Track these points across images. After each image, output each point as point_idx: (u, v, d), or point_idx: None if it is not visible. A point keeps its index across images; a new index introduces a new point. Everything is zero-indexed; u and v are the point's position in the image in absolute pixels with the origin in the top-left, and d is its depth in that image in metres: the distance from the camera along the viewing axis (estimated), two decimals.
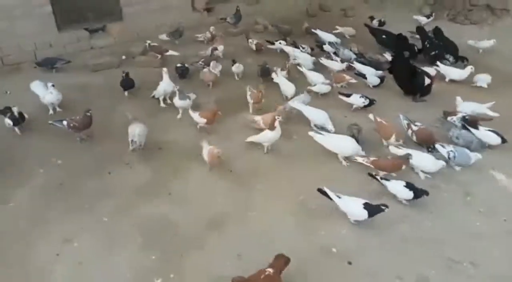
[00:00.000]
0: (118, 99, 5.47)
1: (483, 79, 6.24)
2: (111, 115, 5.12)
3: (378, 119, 4.68)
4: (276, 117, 4.40)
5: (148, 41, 6.52)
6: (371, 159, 4.18)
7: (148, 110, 5.26)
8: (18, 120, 4.63)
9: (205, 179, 4.13)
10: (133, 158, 4.36)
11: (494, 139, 4.61)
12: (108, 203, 3.76)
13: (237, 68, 6.16)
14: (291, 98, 5.37)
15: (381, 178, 3.90)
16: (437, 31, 7.27)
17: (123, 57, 6.66)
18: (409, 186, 3.77)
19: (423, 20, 8.82)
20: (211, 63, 6.11)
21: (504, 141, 4.58)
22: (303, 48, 6.98)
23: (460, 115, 4.94)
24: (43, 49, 6.35)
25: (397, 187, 3.80)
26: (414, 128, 4.67)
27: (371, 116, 4.74)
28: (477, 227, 3.61)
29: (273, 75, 5.72)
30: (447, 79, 6.40)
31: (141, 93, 5.65)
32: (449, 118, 5.03)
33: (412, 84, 5.74)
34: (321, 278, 3.14)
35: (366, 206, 3.47)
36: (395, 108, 5.44)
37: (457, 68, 6.51)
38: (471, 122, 4.77)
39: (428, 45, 6.96)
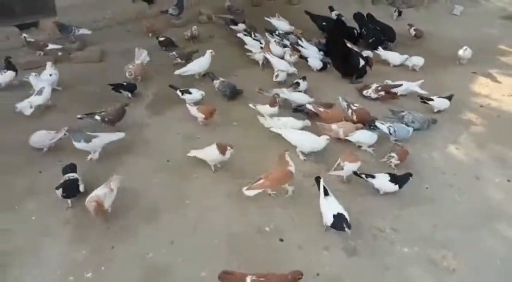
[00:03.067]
0: (53, 96, 5.25)
1: (416, 62, 6.54)
2: (46, 112, 4.93)
3: (321, 109, 4.79)
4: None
5: (24, 35, 6.09)
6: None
7: (86, 106, 5.12)
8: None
9: (142, 170, 4.09)
10: (66, 156, 4.23)
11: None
12: (37, 201, 3.64)
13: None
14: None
15: (366, 176, 3.80)
16: (370, 17, 7.51)
17: (59, 53, 6.40)
18: (393, 178, 3.77)
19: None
20: (136, 50, 5.83)
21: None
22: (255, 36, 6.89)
23: (373, 86, 5.40)
24: None
25: (383, 182, 3.77)
26: (354, 108, 4.86)
27: (309, 106, 4.83)
28: (401, 196, 3.83)
29: (259, 114, 4.73)
30: (391, 65, 6.59)
31: (79, 89, 5.49)
32: (364, 92, 5.41)
33: (347, 66, 5.92)
34: (255, 255, 3.23)
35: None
36: (335, 90, 5.61)
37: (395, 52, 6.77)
38: (384, 91, 5.32)
39: (365, 32, 7.15)
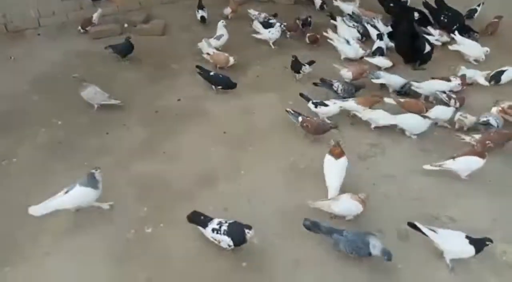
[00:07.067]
0: (118, 66, 5.55)
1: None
2: (111, 81, 5.22)
3: (402, 100, 4.61)
4: None
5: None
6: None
7: (148, 77, 5.36)
8: None
9: (199, 139, 4.25)
10: (130, 120, 4.50)
11: None
12: (105, 161, 3.91)
13: None
14: None
15: None
16: (440, 2, 7.03)
17: (125, 25, 6.70)
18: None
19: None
20: (204, 41, 5.60)
21: None
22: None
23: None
24: (46, 17, 6.43)
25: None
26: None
27: (388, 100, 4.57)
28: (460, 187, 3.68)
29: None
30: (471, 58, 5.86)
31: (142, 60, 5.74)
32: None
33: (412, 49, 5.64)
34: (306, 234, 3.24)
35: (471, 240, 2.86)
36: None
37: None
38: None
39: (446, 20, 6.54)
